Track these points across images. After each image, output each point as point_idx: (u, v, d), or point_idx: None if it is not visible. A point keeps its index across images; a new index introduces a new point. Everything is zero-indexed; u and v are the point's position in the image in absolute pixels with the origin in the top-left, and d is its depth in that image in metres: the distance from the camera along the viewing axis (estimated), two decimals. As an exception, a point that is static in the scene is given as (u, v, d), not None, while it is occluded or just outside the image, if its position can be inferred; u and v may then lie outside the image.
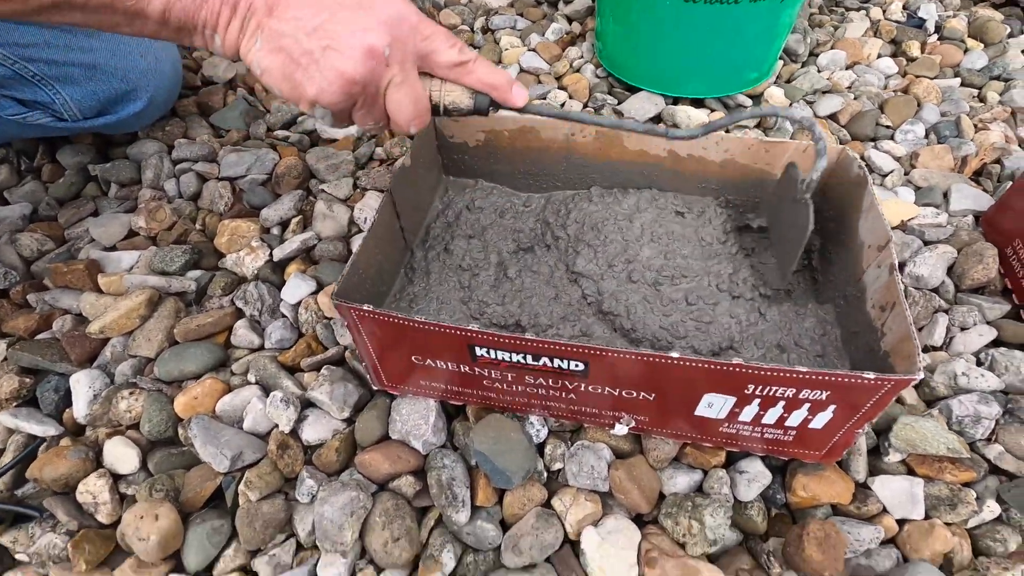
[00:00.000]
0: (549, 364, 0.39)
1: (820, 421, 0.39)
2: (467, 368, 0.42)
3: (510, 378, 0.42)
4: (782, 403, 0.38)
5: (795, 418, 0.39)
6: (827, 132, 0.72)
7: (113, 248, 0.63)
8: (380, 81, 0.37)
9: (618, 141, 0.54)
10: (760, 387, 0.37)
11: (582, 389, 0.42)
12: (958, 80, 0.80)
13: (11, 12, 0.35)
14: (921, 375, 0.34)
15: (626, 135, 0.54)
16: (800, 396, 0.37)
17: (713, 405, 0.40)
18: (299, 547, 0.45)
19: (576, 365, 0.39)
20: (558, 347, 0.37)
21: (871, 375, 0.34)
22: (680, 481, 0.46)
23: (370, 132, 0.37)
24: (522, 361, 0.40)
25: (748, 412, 0.40)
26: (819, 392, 0.36)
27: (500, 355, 0.39)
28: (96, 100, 0.63)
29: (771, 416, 0.40)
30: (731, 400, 0.39)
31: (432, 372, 0.44)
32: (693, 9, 0.67)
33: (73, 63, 0.60)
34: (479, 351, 0.40)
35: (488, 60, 0.43)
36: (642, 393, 0.40)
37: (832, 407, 0.37)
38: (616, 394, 0.41)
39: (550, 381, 0.41)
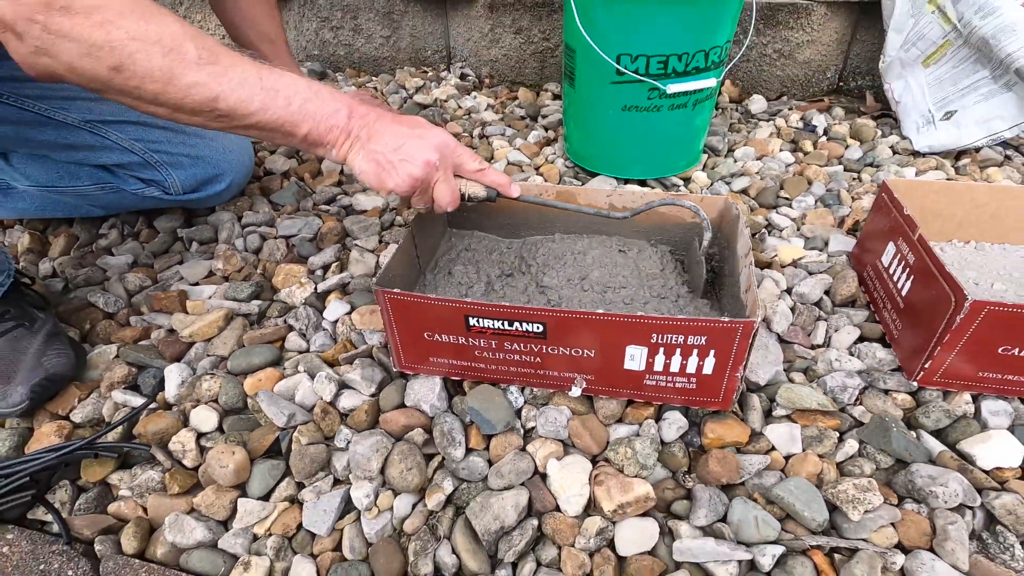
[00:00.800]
0: (519, 328, 0.57)
1: (709, 366, 0.56)
2: (463, 339, 0.60)
3: (494, 345, 0.60)
4: (679, 350, 0.55)
5: (692, 364, 0.56)
6: (739, 201, 0.95)
7: (196, 284, 0.83)
8: (431, 180, 0.59)
9: (572, 198, 0.76)
10: (660, 335, 0.54)
11: (545, 351, 0.59)
12: (841, 167, 1.05)
13: (217, 127, 0.53)
14: (758, 320, 0.52)
15: (580, 194, 0.76)
16: (689, 342, 0.55)
17: (634, 357, 0.57)
18: (336, 481, 0.60)
19: (536, 327, 0.56)
20: (524, 311, 0.55)
21: (727, 319, 0.52)
22: (622, 431, 0.61)
23: (421, 210, 0.62)
24: (502, 328, 0.57)
25: (659, 362, 0.57)
26: (700, 337, 0.54)
27: (486, 323, 0.57)
28: (195, 180, 0.86)
29: (675, 364, 0.57)
30: (644, 351, 0.56)
31: (439, 347, 0.62)
32: (631, 116, 0.93)
33: (182, 154, 0.84)
34: (472, 320, 0.58)
35: (494, 168, 0.67)
36: (585, 350, 0.58)
37: (712, 351, 0.55)
38: (569, 353, 0.58)
39: (522, 346, 0.59)
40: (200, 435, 0.63)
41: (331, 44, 1.44)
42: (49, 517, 0.57)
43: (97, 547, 0.55)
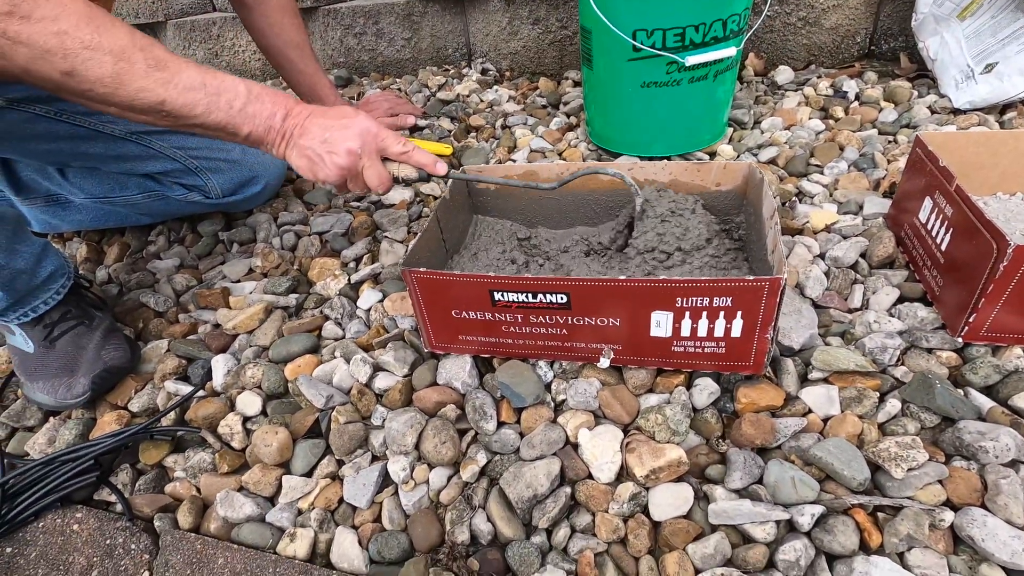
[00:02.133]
0: (544, 300, 0.58)
1: (737, 328, 0.55)
2: (490, 315, 0.61)
3: (520, 319, 0.61)
4: (705, 313, 0.55)
5: (719, 327, 0.56)
6: (768, 171, 0.93)
7: (238, 281, 0.87)
8: (357, 166, 0.64)
9: (594, 176, 0.76)
10: (684, 299, 0.54)
11: (571, 323, 0.59)
12: (875, 131, 1.01)
13: (164, 125, 0.58)
14: (784, 277, 0.51)
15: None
16: (714, 304, 0.54)
17: (660, 324, 0.57)
18: (374, 458, 0.62)
19: (560, 297, 0.57)
20: (547, 282, 0.56)
21: (751, 277, 0.51)
22: (652, 400, 0.61)
23: (357, 194, 0.68)
24: (526, 300, 0.58)
25: (686, 327, 0.57)
26: (725, 299, 0.53)
27: (511, 296, 0.58)
28: (233, 183, 0.90)
29: (702, 328, 0.56)
30: (670, 316, 0.56)
31: (467, 325, 0.63)
32: (651, 92, 0.92)
33: (220, 159, 0.88)
34: (496, 295, 0.59)
35: (422, 149, 0.69)
36: (611, 320, 0.58)
37: (739, 312, 0.54)
38: (595, 323, 0.59)
39: (547, 318, 0.60)
40: (246, 419, 0.66)
41: (355, 50, 1.49)
42: (113, 497, 0.61)
43: (156, 523, 0.59)
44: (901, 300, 0.68)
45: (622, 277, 0.54)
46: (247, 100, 0.59)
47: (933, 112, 1.04)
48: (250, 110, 0.59)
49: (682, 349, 0.59)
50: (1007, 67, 0.96)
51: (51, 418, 0.70)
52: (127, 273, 0.91)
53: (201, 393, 0.69)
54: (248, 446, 0.63)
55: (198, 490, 0.61)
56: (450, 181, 0.73)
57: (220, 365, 0.72)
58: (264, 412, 0.67)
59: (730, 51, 0.88)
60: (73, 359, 0.69)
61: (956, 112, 1.03)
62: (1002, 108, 1.01)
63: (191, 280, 0.88)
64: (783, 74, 1.22)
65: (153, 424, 0.64)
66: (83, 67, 0.51)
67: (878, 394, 0.58)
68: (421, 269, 0.59)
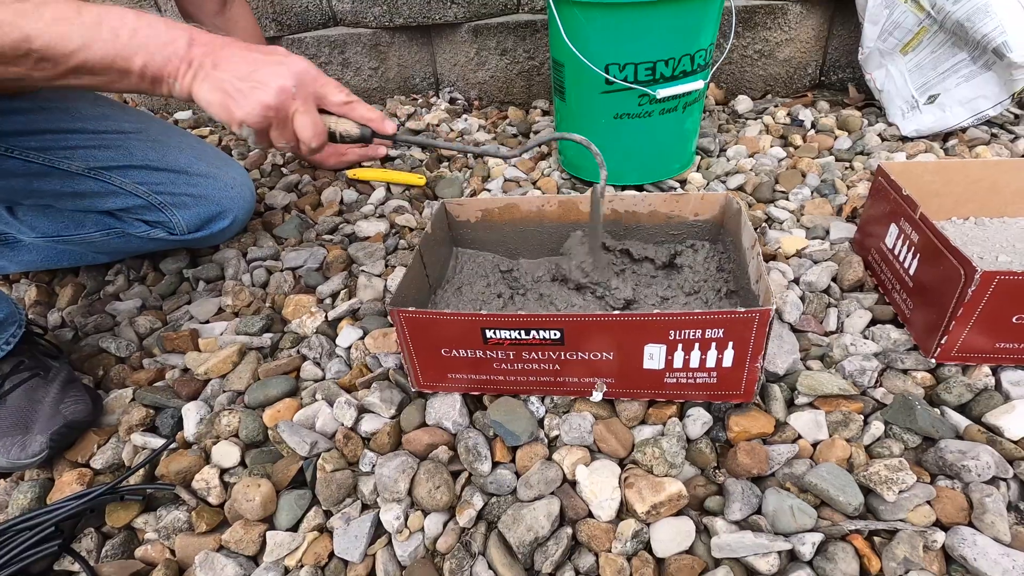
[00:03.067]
0: (537, 336, 0.57)
1: (728, 358, 0.56)
2: (480, 353, 0.60)
3: (512, 356, 0.60)
4: (698, 344, 0.56)
5: (711, 358, 0.56)
6: (737, 197, 0.96)
7: (207, 322, 0.83)
8: (288, 109, 0.54)
9: (574, 207, 0.77)
10: (677, 331, 0.55)
11: (563, 358, 0.59)
12: (832, 157, 1.06)
13: (43, 77, 0.49)
14: (773, 308, 0.52)
15: (581, 203, 0.77)
16: (706, 336, 0.55)
17: (653, 356, 0.57)
18: (364, 506, 0.59)
19: (554, 334, 0.57)
20: (540, 318, 0.56)
21: (742, 309, 0.52)
22: (646, 431, 0.61)
23: (284, 151, 0.54)
24: (519, 337, 0.58)
25: (678, 358, 0.57)
26: (717, 330, 0.54)
27: (503, 334, 0.58)
28: (199, 219, 0.86)
29: (695, 359, 0.57)
30: (663, 348, 0.56)
31: (456, 363, 0.62)
32: (624, 123, 0.94)
33: (185, 193, 0.85)
34: (488, 333, 0.58)
35: (368, 105, 0.60)
36: (603, 353, 0.58)
37: (731, 343, 0.55)
38: (588, 358, 0.59)
39: (540, 354, 0.59)
40: (223, 471, 0.62)
41: (320, 79, 1.47)
42: (77, 567, 0.56)
43: (127, 593, 0.54)
44: (874, 322, 0.71)
45: (614, 312, 0.54)
46: (137, 26, 0.50)
47: (883, 139, 1.10)
48: (141, 38, 0.50)
49: (675, 380, 0.59)
50: (948, 99, 1.03)
51: (2, 480, 0.64)
52: (83, 316, 0.85)
53: (172, 445, 0.65)
54: (227, 501, 0.59)
55: (173, 553, 0.57)
56: (427, 208, 0.72)
57: (192, 413, 0.68)
58: (243, 463, 0.63)
59: (698, 84, 0.91)
60: (27, 414, 0.64)
61: (904, 140, 1.09)
62: (945, 136, 1.08)
63: (155, 322, 0.83)
64: (743, 103, 1.28)
65: (120, 483, 0.59)
66: None
67: (862, 417, 0.60)
68: (410, 309, 0.58)
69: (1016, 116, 1.13)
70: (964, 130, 1.07)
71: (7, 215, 0.82)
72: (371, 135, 0.59)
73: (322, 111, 0.57)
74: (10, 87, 0.50)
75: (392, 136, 0.59)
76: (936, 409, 0.60)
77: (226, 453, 0.63)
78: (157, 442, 0.65)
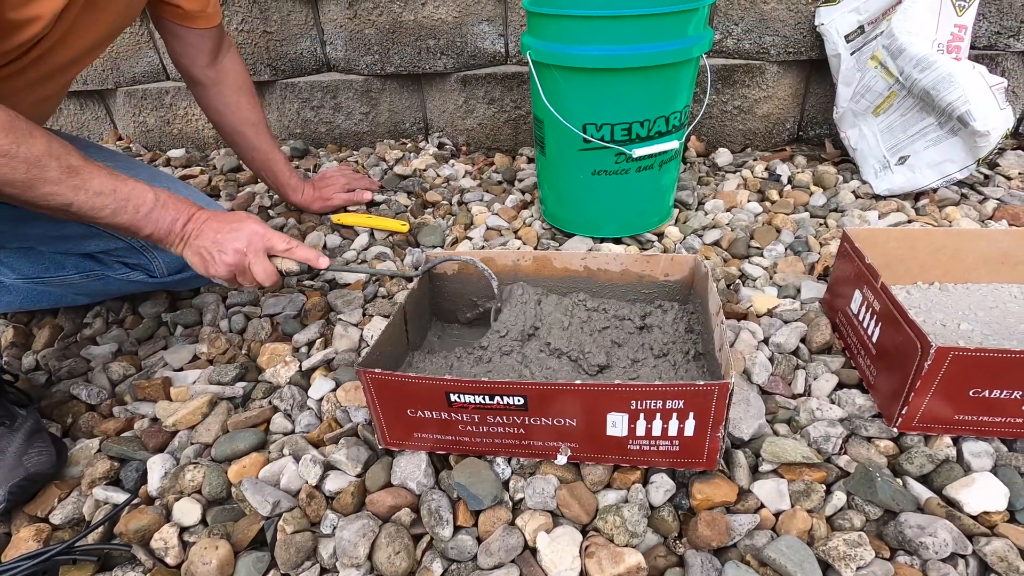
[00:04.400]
0: (500, 402, 0.58)
1: (690, 428, 0.57)
2: (445, 415, 0.60)
3: (476, 419, 0.60)
4: (659, 414, 0.56)
5: (672, 427, 0.57)
6: (712, 254, 0.98)
7: (181, 369, 0.83)
8: (244, 263, 0.71)
9: (548, 263, 0.78)
10: (639, 401, 0.55)
11: (528, 423, 0.59)
12: (807, 214, 1.09)
13: (73, 220, 0.64)
14: (732, 381, 0.53)
15: (555, 259, 0.78)
16: (667, 406, 0.55)
17: (616, 424, 0.58)
18: (323, 570, 0.58)
19: (517, 400, 0.57)
20: (503, 385, 0.56)
21: (701, 382, 0.53)
22: (610, 496, 0.61)
23: (248, 287, 0.78)
24: (483, 402, 0.58)
25: (641, 427, 0.57)
26: (678, 402, 0.55)
27: (467, 398, 0.58)
28: (180, 262, 0.86)
29: (657, 428, 0.57)
30: (625, 417, 0.57)
31: (422, 424, 0.62)
32: (601, 179, 0.97)
33: (167, 239, 0.86)
34: (453, 397, 0.58)
35: (305, 246, 0.76)
36: (568, 420, 0.58)
37: (692, 413, 0.56)
38: (552, 423, 0.59)
39: (504, 418, 0.59)
40: (183, 529, 0.61)
41: (312, 123, 1.50)
42: (25, 630, 0.55)
43: (74, 660, 0.53)
44: (840, 386, 0.72)
45: (577, 381, 0.55)
46: (153, 207, 0.67)
47: (857, 196, 1.13)
48: (154, 216, 0.67)
49: (638, 447, 0.59)
50: (917, 160, 1.06)
51: (-43, 534, 0.63)
52: (58, 360, 0.85)
53: (135, 500, 0.64)
54: (184, 562, 0.59)
55: (125, 617, 0.56)
56: (409, 255, 0.76)
57: (157, 467, 0.67)
58: (204, 521, 0.62)
59: (673, 144, 0.94)
60: (-12, 467, 0.64)
61: (877, 198, 1.12)
62: (917, 195, 1.11)
63: (129, 368, 0.83)
64: (723, 156, 1.31)
65: (76, 542, 0.59)
66: None
67: (824, 487, 0.60)
68: (376, 370, 0.58)
69: (986, 177, 1.16)
70: (935, 190, 1.10)
71: (-11, 258, 0.83)
72: (308, 268, 0.76)
73: (272, 256, 0.74)
74: None
75: (326, 269, 0.77)
76: (899, 479, 0.60)
77: (187, 511, 0.62)
78: (119, 496, 0.65)
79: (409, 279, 0.78)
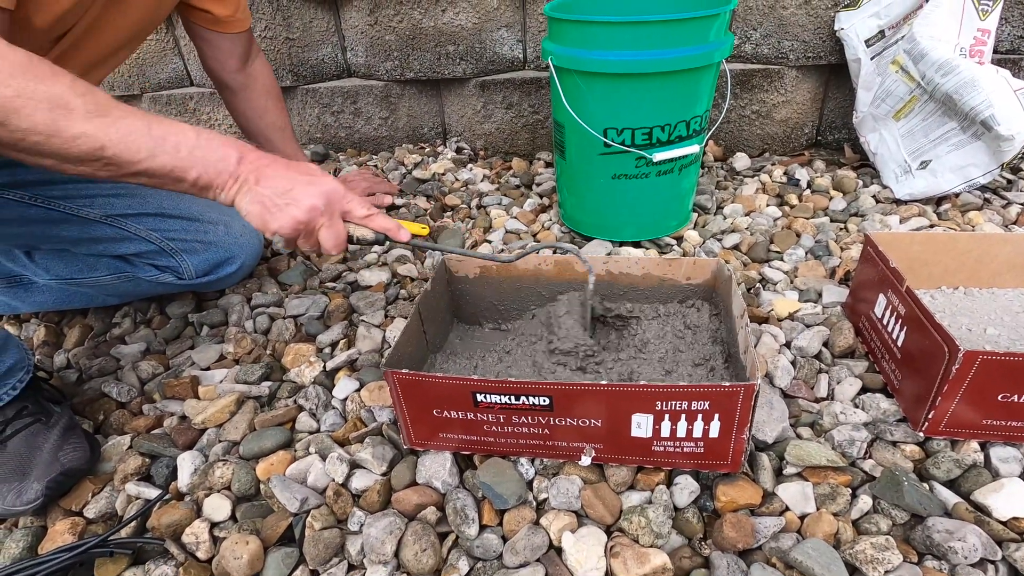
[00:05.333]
0: (526, 402, 0.58)
1: (715, 429, 0.57)
2: (471, 415, 0.61)
3: (502, 420, 0.61)
4: (684, 415, 0.56)
5: (698, 428, 0.57)
6: (732, 258, 0.98)
7: (208, 368, 0.84)
8: (315, 224, 0.62)
9: (570, 267, 0.79)
10: (664, 402, 0.56)
11: (553, 423, 0.60)
12: (827, 218, 1.08)
13: (107, 175, 0.55)
14: (758, 382, 0.53)
15: (576, 262, 0.79)
16: (693, 408, 0.56)
17: (641, 425, 0.58)
18: (350, 567, 0.59)
19: (543, 400, 0.58)
20: (530, 385, 0.57)
21: (727, 383, 0.53)
22: (634, 498, 0.61)
23: (306, 251, 0.66)
24: (509, 402, 0.59)
25: (665, 428, 0.58)
26: (703, 403, 0.55)
27: (493, 398, 0.59)
28: (207, 264, 0.89)
29: (681, 429, 0.58)
30: (650, 418, 0.57)
31: (447, 424, 0.63)
32: (621, 183, 0.97)
33: (197, 240, 0.87)
34: (479, 397, 0.59)
35: (385, 215, 0.68)
36: (592, 420, 0.59)
37: (717, 415, 0.56)
38: (576, 424, 0.59)
39: (529, 419, 0.60)
40: (213, 524, 0.63)
41: (332, 127, 1.52)
42: (62, 621, 0.56)
43: (110, 650, 0.54)
44: (864, 390, 0.72)
45: (603, 381, 0.56)
46: (197, 143, 0.57)
47: (877, 201, 1.12)
48: (199, 153, 0.57)
49: (662, 449, 0.60)
50: (939, 165, 1.05)
51: (-5, 527, 0.65)
52: (88, 359, 0.87)
53: (166, 496, 0.66)
54: (215, 556, 0.60)
55: (158, 609, 0.57)
56: (429, 257, 0.75)
57: (186, 463, 0.69)
58: (233, 516, 0.64)
59: (693, 148, 0.94)
60: (26, 461, 0.65)
61: (898, 202, 1.11)
62: (938, 200, 1.10)
63: (158, 367, 0.85)
64: (741, 161, 1.31)
65: (111, 535, 0.60)
66: (16, 116, 0.49)
67: (850, 490, 0.60)
68: (403, 371, 0.59)
69: (1009, 181, 1.15)
70: (957, 195, 1.09)
71: (24, 258, 0.85)
72: (384, 239, 0.67)
73: (346, 220, 0.65)
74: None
75: (407, 243, 0.67)
76: (925, 484, 0.60)
77: (217, 507, 0.63)
78: (151, 492, 0.66)
79: (503, 263, 0.73)
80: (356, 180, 1.23)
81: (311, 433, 0.73)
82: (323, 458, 0.68)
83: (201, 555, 0.60)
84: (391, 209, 1.22)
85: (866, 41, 1.14)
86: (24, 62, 0.50)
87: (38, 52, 0.54)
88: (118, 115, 0.54)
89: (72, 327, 0.94)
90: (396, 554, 0.58)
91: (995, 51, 1.14)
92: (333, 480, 0.65)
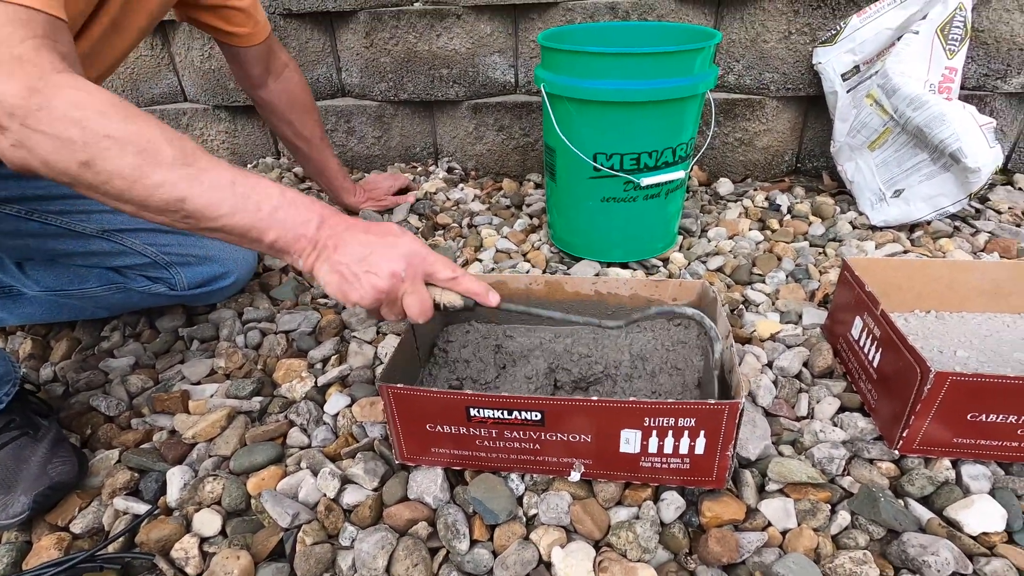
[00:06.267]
0: (519, 417, 0.60)
1: (700, 446, 0.59)
2: (464, 429, 0.62)
3: (494, 434, 0.62)
4: (671, 432, 0.58)
5: (684, 445, 0.59)
6: (716, 280, 1.01)
7: (198, 383, 0.84)
8: (398, 292, 0.57)
9: (560, 287, 0.81)
10: (652, 419, 0.57)
11: (543, 438, 0.61)
12: (807, 243, 1.12)
13: (187, 228, 0.53)
14: (743, 400, 0.55)
15: (567, 282, 0.81)
16: (679, 424, 0.58)
17: (629, 441, 0.60)
18: (341, 582, 0.59)
19: (535, 415, 0.59)
20: (522, 400, 0.58)
21: (712, 401, 0.55)
22: (622, 513, 0.63)
23: (392, 320, 0.60)
24: (501, 417, 0.60)
25: (653, 444, 0.60)
26: (689, 419, 0.57)
27: (486, 413, 0.60)
28: (201, 277, 0.89)
29: (668, 445, 0.59)
30: (639, 433, 0.59)
31: (440, 438, 0.64)
32: (610, 206, 1.00)
33: (192, 254, 0.88)
34: (472, 411, 0.60)
35: (473, 276, 0.62)
36: (582, 436, 0.60)
37: (702, 431, 0.58)
38: (567, 439, 0.61)
39: (521, 433, 0.61)
40: (203, 540, 0.63)
41: (325, 144, 1.54)
42: (46, 637, 0.55)
43: (96, 668, 0.53)
44: (842, 409, 0.74)
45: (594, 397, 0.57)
46: (279, 204, 0.53)
47: (854, 227, 1.17)
48: (281, 215, 0.53)
49: (649, 465, 0.61)
50: (912, 194, 1.10)
51: (-21, 542, 0.64)
52: (76, 372, 0.87)
53: (155, 511, 0.66)
54: (204, 572, 0.60)
55: (145, 625, 0.57)
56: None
57: (176, 478, 0.68)
58: (223, 532, 0.64)
59: (679, 174, 0.98)
60: (13, 474, 0.65)
61: (873, 229, 1.16)
62: (912, 227, 1.15)
63: (147, 381, 0.84)
64: (724, 186, 1.35)
65: (99, 550, 0.60)
66: (101, 158, 0.47)
67: (829, 506, 0.62)
68: (399, 385, 0.60)
69: (977, 211, 1.20)
70: (929, 223, 1.14)
71: (15, 269, 0.85)
72: (474, 305, 0.61)
73: (429, 284, 0.60)
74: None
75: (496, 307, 0.62)
76: (900, 500, 0.63)
77: (207, 522, 0.63)
78: (139, 507, 0.66)
79: (611, 328, 0.64)
80: (381, 181, 1.33)
81: (302, 448, 0.73)
82: (314, 473, 0.68)
83: (190, 571, 0.60)
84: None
85: (842, 75, 1.19)
86: (111, 101, 0.48)
87: None
88: (204, 166, 0.51)
89: (59, 340, 0.94)
90: (387, 569, 0.59)
91: (962, 87, 1.21)
92: (324, 495, 0.65)
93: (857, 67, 1.17)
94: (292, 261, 0.57)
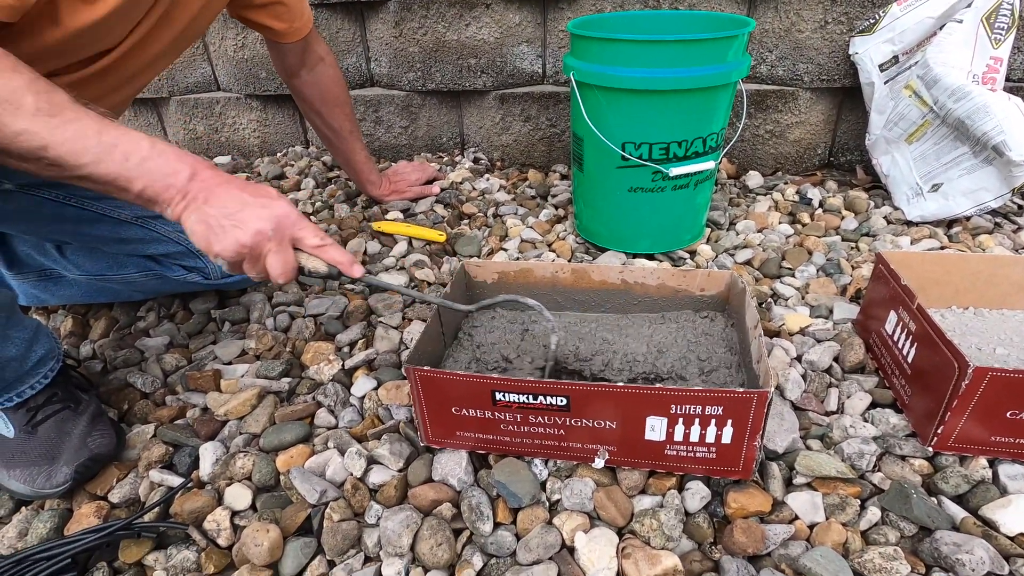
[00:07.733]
0: (544, 402, 0.60)
1: (727, 435, 0.58)
2: (489, 413, 0.63)
3: (519, 419, 0.62)
4: (698, 420, 0.58)
5: (710, 434, 0.59)
6: (744, 273, 1.00)
7: (230, 363, 0.86)
8: (262, 249, 0.58)
9: (586, 275, 0.81)
10: (679, 406, 0.57)
11: (568, 424, 0.61)
12: (839, 237, 1.10)
13: (50, 176, 0.53)
14: (771, 389, 0.55)
15: (593, 271, 0.81)
16: (706, 412, 0.57)
17: (655, 428, 0.60)
18: (366, 559, 0.60)
19: (560, 400, 0.59)
20: (548, 385, 0.59)
21: (741, 389, 0.55)
22: (645, 502, 0.62)
23: (254, 279, 0.61)
24: (527, 401, 0.60)
25: (679, 432, 0.59)
26: (717, 408, 0.57)
27: (512, 397, 0.60)
28: (232, 265, 0.91)
29: (695, 434, 0.59)
30: (664, 421, 0.59)
31: (465, 422, 0.64)
32: (637, 196, 0.99)
33: (223, 242, 0.90)
34: (498, 396, 0.61)
35: (340, 247, 0.63)
36: (607, 422, 0.60)
37: (729, 421, 0.57)
38: (592, 425, 0.61)
39: (546, 419, 0.62)
40: (234, 513, 0.64)
41: (353, 134, 1.56)
42: (87, 600, 0.58)
43: (133, 630, 0.56)
44: (874, 405, 0.73)
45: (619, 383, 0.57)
46: (148, 155, 0.54)
47: (889, 222, 1.14)
48: (149, 165, 0.54)
49: (675, 453, 0.61)
50: (951, 188, 1.07)
51: (23, 508, 0.67)
52: (113, 350, 0.90)
53: (188, 483, 0.68)
54: (235, 543, 0.61)
55: (179, 593, 0.59)
56: (447, 263, 0.72)
57: (208, 453, 0.70)
58: (253, 506, 0.65)
59: (709, 164, 0.96)
60: (56, 446, 0.67)
61: (909, 224, 1.13)
62: (949, 223, 1.12)
63: (181, 360, 0.87)
64: (754, 179, 1.33)
65: (137, 519, 0.62)
66: None
67: (859, 501, 0.61)
68: (425, 368, 0.61)
69: (1020, 207, 1.16)
70: (968, 218, 1.11)
71: (56, 253, 0.88)
72: (338, 274, 0.63)
73: (297, 249, 0.61)
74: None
75: (358, 279, 0.64)
76: (933, 498, 0.61)
77: (238, 495, 0.65)
78: (173, 480, 0.68)
79: (461, 312, 0.70)
80: (407, 171, 1.34)
81: (329, 429, 0.75)
82: (341, 453, 0.69)
83: (222, 542, 0.62)
84: (408, 214, 1.24)
85: (880, 66, 1.16)
86: None
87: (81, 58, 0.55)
88: (70, 117, 0.52)
89: (98, 319, 0.97)
90: (412, 547, 0.60)
91: (1008, 79, 1.17)
92: (351, 474, 0.67)
93: (896, 57, 1.14)
94: (162, 210, 0.57)
